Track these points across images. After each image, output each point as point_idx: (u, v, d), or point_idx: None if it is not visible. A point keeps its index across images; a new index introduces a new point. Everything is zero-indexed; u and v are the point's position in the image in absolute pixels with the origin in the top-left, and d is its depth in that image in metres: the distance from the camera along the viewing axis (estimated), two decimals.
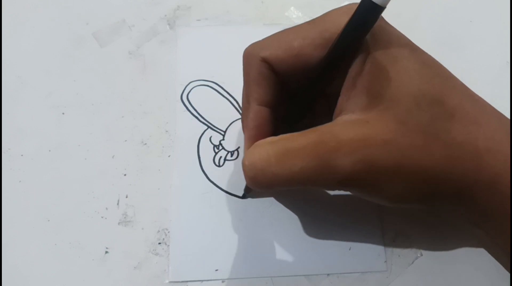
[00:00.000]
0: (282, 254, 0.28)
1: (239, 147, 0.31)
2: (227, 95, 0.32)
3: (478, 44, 0.34)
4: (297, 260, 0.28)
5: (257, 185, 0.21)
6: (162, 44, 0.34)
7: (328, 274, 0.27)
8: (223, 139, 0.31)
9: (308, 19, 0.35)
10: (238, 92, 0.32)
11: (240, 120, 0.31)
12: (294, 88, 0.23)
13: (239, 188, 0.29)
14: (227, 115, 0.32)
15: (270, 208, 0.29)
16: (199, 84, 0.33)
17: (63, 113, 0.32)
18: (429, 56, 0.21)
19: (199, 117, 0.32)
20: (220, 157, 0.30)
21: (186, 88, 0.33)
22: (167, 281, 0.27)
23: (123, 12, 0.35)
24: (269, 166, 0.20)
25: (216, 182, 0.30)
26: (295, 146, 0.19)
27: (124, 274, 0.27)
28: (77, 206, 0.29)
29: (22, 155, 0.30)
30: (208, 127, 0.31)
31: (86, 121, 0.31)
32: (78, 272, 0.27)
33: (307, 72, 0.21)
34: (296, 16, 0.36)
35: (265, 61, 0.22)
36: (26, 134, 0.31)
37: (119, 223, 0.29)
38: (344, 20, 0.20)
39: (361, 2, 0.18)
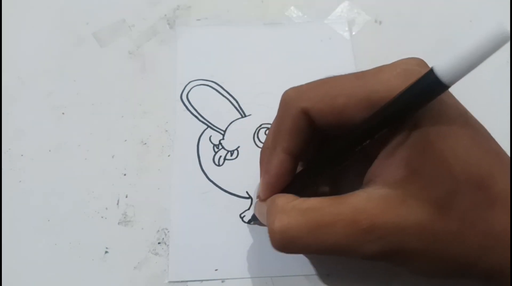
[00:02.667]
0: (282, 254, 0.28)
1: (239, 147, 0.31)
2: (227, 95, 0.32)
3: None
4: (297, 260, 0.27)
5: (284, 251, 0.20)
6: (162, 44, 0.34)
7: (328, 274, 0.27)
8: (223, 139, 0.31)
9: (308, 19, 0.36)
10: (237, 91, 0.32)
11: (240, 120, 0.31)
12: (326, 139, 0.23)
13: (239, 187, 0.29)
14: (227, 115, 0.32)
15: None
16: (199, 83, 0.33)
17: (63, 113, 0.32)
18: (481, 128, 0.20)
19: (198, 116, 0.32)
20: (220, 156, 0.30)
21: (186, 88, 0.33)
22: (166, 281, 0.27)
23: (123, 12, 0.35)
24: (301, 237, 0.19)
25: (215, 181, 0.30)
26: (327, 220, 0.19)
27: (124, 274, 0.27)
28: (77, 206, 0.29)
29: (22, 155, 0.30)
30: (208, 126, 0.31)
31: (86, 121, 0.31)
32: (78, 272, 0.27)
33: (346, 129, 0.20)
34: (296, 15, 0.36)
35: (304, 112, 0.21)
36: (26, 134, 0.31)
37: (119, 223, 0.29)
38: (397, 83, 0.18)
39: (424, 76, 0.16)
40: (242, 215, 0.29)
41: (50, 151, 0.31)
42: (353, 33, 0.35)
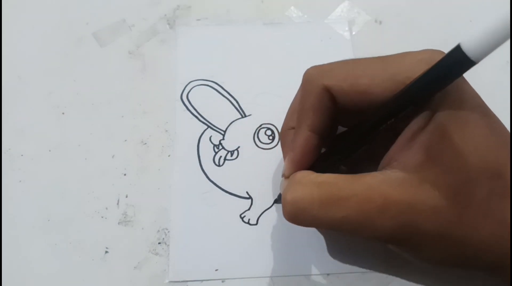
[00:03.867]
0: (282, 254, 0.28)
1: (239, 147, 0.31)
2: (227, 95, 0.32)
3: None
4: (297, 260, 0.28)
5: (294, 222, 0.20)
6: (162, 43, 0.34)
7: (328, 274, 0.27)
8: (223, 139, 0.31)
9: (308, 19, 0.36)
10: (237, 91, 0.32)
11: (240, 120, 0.31)
12: (348, 119, 0.23)
13: (239, 187, 0.29)
14: (227, 115, 0.32)
15: (270, 208, 0.29)
16: (199, 83, 0.33)
17: (63, 113, 0.32)
18: (498, 120, 0.20)
19: (199, 116, 0.32)
20: (220, 156, 0.30)
21: (186, 88, 0.33)
22: (167, 281, 0.27)
23: (123, 12, 0.35)
24: (312, 209, 0.19)
25: (216, 181, 0.30)
26: (341, 195, 0.19)
27: (124, 274, 0.27)
28: (77, 206, 0.29)
29: (22, 155, 0.30)
30: (208, 126, 0.31)
31: (86, 121, 0.31)
32: (78, 272, 0.27)
33: (368, 110, 0.21)
34: (296, 15, 0.36)
35: (327, 90, 0.21)
36: (26, 134, 0.31)
37: (119, 223, 0.29)
38: (421, 68, 0.19)
39: (451, 52, 0.16)
40: (242, 215, 0.29)
41: (50, 151, 0.31)
42: (353, 33, 0.35)
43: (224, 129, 0.31)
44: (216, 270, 0.27)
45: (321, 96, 0.21)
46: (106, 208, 0.29)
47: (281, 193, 0.25)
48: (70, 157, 0.30)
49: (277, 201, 0.29)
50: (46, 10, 0.35)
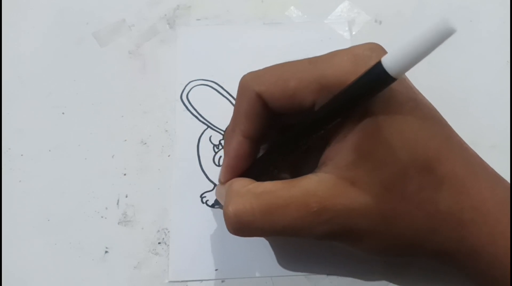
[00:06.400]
0: (282, 254, 0.28)
1: None
2: (227, 95, 0.32)
3: (478, 44, 0.34)
4: (297, 260, 0.28)
5: (239, 235, 0.21)
6: (162, 43, 0.34)
7: (328, 274, 0.27)
8: (223, 139, 0.31)
9: (308, 19, 0.36)
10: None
11: None
12: (286, 124, 0.23)
13: None
14: (227, 115, 0.31)
15: None
16: (199, 83, 0.33)
17: (63, 113, 0.32)
18: (432, 110, 0.20)
19: (199, 116, 0.32)
20: (220, 156, 0.30)
21: (186, 88, 0.33)
22: (166, 281, 0.27)
23: (123, 12, 0.35)
24: (254, 220, 0.20)
25: (216, 181, 0.30)
26: (279, 203, 0.19)
27: (124, 274, 0.27)
28: (77, 206, 0.29)
29: (22, 155, 0.30)
30: (208, 126, 0.31)
31: (86, 121, 0.31)
32: (78, 272, 0.27)
33: (301, 113, 0.21)
34: (296, 15, 0.36)
35: (259, 96, 0.21)
36: (26, 134, 0.31)
37: (119, 223, 0.29)
38: (346, 68, 0.19)
39: (372, 68, 0.16)
40: None
41: (50, 151, 0.31)
42: (353, 33, 0.35)
43: (224, 129, 0.31)
44: (216, 270, 0.27)
45: (253, 102, 0.21)
46: (106, 208, 0.29)
47: (218, 199, 0.26)
48: (70, 157, 0.30)
49: (213, 205, 0.29)
50: (46, 10, 0.35)
